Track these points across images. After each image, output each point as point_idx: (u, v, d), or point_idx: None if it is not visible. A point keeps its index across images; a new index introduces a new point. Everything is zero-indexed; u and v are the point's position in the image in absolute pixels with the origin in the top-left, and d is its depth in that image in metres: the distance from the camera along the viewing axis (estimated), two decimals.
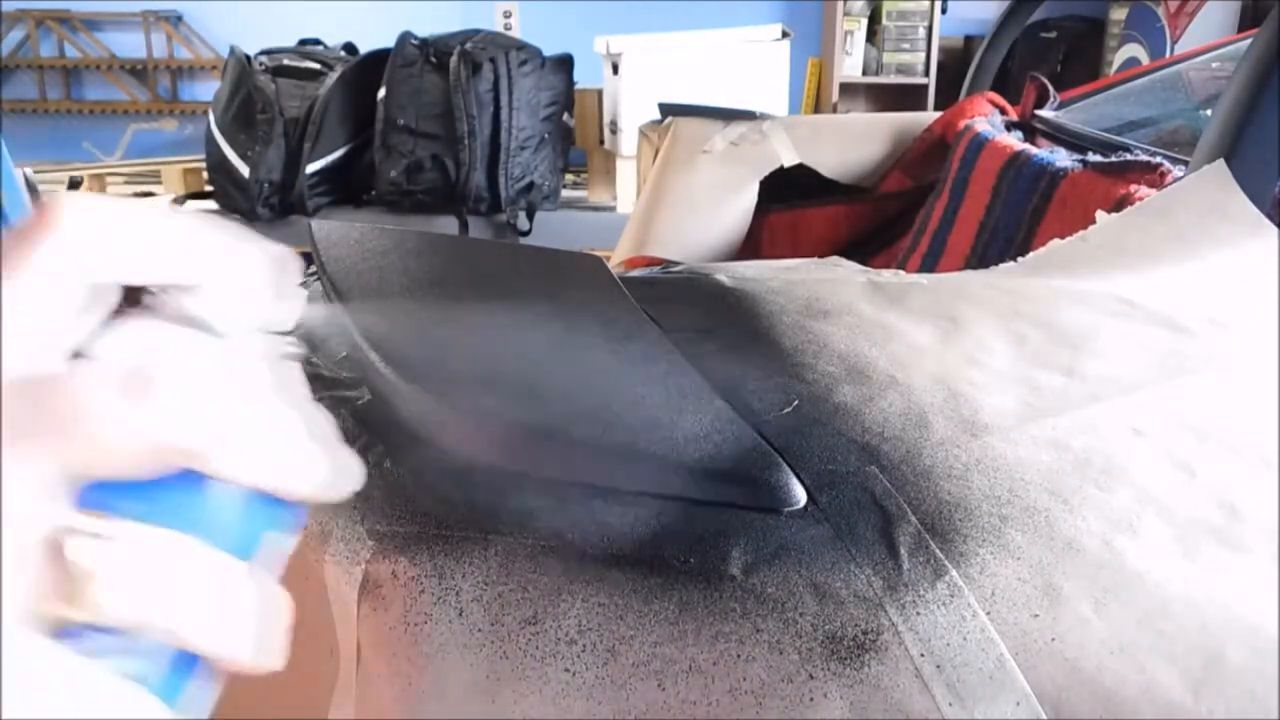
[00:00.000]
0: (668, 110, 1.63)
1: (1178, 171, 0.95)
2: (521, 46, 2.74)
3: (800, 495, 0.43)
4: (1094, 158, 1.08)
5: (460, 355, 0.49)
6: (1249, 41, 0.78)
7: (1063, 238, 0.72)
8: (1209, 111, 1.23)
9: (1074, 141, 1.26)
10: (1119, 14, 4.14)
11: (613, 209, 3.09)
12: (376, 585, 0.40)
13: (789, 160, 1.51)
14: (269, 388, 0.24)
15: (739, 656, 0.37)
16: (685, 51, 2.96)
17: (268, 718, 0.45)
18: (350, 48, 2.95)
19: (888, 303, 0.59)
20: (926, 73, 4.34)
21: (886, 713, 0.37)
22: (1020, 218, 1.14)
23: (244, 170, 2.59)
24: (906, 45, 4.34)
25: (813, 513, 0.43)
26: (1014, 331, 0.56)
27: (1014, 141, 1.27)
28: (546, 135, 2.77)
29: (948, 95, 4.10)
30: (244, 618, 0.23)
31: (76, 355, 0.23)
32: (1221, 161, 0.72)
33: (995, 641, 0.38)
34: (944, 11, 4.29)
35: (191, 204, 2.73)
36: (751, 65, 3.00)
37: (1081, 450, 0.47)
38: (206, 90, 4.32)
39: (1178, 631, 0.39)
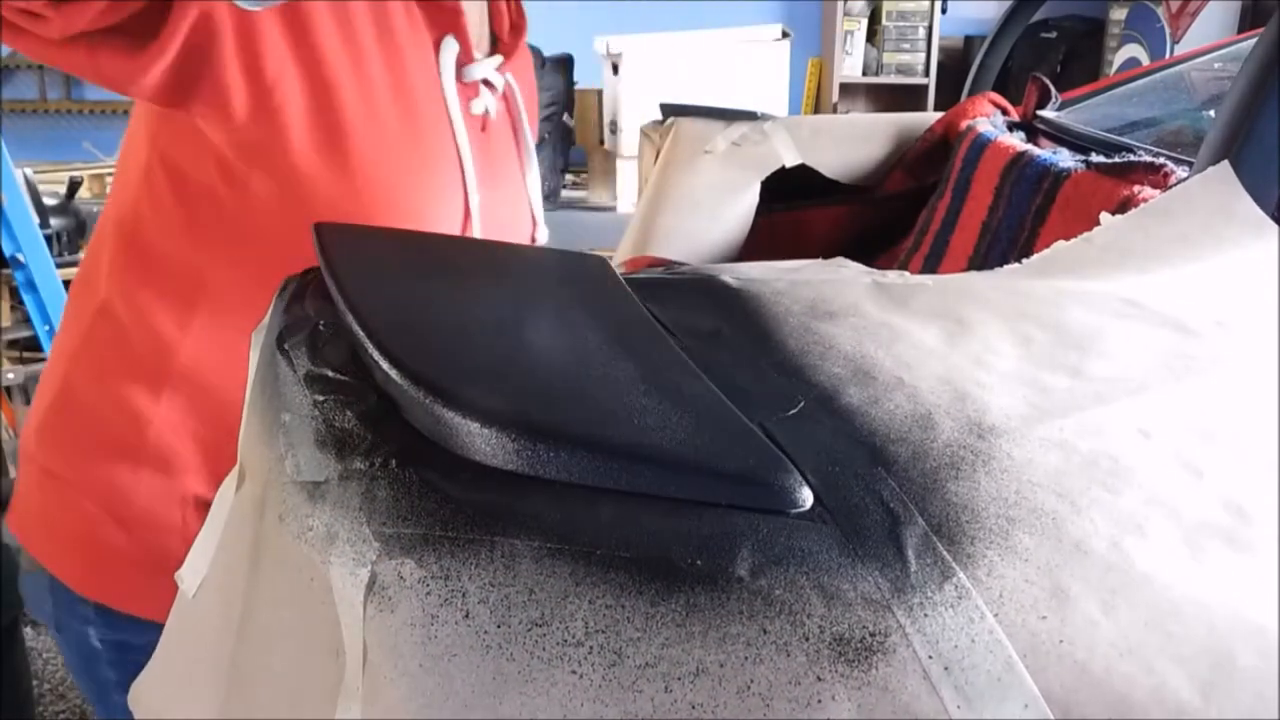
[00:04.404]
0: (669, 110, 1.63)
1: (1181, 172, 0.95)
2: None
3: (807, 497, 0.43)
4: (1097, 158, 1.07)
5: (464, 355, 0.49)
6: (1251, 42, 0.78)
7: (1066, 239, 0.71)
8: (1212, 112, 1.23)
9: (1077, 142, 1.26)
10: (1119, 14, 4.15)
11: (613, 209, 3.09)
12: (383, 587, 0.40)
13: (791, 161, 1.51)
14: None
15: (746, 658, 0.37)
16: (685, 51, 2.96)
17: (273, 718, 0.45)
18: None
19: (893, 304, 0.59)
20: (926, 73, 4.35)
21: (894, 714, 0.37)
22: (1023, 218, 1.14)
23: None
24: (906, 45, 4.35)
25: (819, 514, 0.42)
26: (1020, 333, 0.56)
27: (1017, 142, 1.27)
28: (546, 135, 2.78)
29: (948, 95, 4.11)
30: None
31: None
32: (1226, 163, 0.72)
33: (1003, 644, 0.38)
34: (944, 11, 4.30)
35: None
36: (751, 65, 3.01)
37: (1089, 452, 0.47)
38: None
39: (1186, 633, 0.39)
